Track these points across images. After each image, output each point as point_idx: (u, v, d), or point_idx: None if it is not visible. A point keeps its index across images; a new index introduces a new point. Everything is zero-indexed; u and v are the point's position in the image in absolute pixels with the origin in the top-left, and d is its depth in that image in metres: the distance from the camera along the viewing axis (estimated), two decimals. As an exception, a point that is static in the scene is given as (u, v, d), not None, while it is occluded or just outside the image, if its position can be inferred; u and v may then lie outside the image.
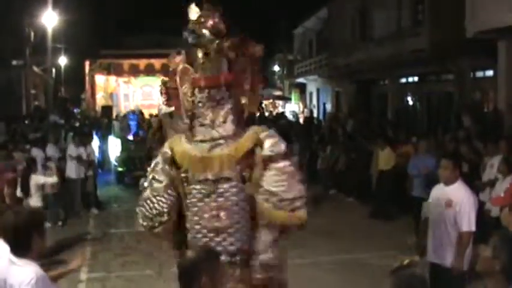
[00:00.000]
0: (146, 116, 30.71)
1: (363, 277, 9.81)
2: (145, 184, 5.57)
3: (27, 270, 4.24)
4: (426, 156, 12.36)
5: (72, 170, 15.56)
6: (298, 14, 42.82)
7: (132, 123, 26.63)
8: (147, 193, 5.49)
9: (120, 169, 20.36)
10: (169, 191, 5.38)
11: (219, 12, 5.37)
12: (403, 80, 27.19)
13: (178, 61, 5.63)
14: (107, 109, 36.35)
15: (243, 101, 5.51)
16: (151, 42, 42.53)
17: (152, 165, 5.60)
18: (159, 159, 5.51)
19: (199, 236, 5.22)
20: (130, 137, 22.99)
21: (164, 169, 5.42)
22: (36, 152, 15.09)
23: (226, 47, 5.32)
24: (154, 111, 36.08)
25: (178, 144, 5.41)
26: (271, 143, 5.24)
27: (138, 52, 41.35)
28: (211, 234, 5.17)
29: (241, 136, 5.29)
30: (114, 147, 20.84)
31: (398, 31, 25.21)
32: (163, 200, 5.38)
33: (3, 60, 34.56)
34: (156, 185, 5.43)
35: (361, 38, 30.76)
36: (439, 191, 7.22)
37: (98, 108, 38.77)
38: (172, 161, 5.38)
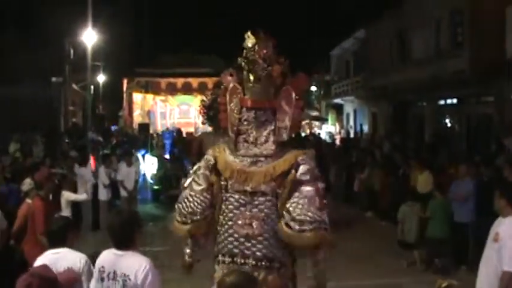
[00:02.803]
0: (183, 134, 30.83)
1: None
2: (186, 184, 6.18)
3: (139, 260, 4.97)
4: (465, 181, 12.08)
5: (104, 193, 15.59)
6: (336, 35, 42.77)
7: (167, 142, 26.69)
8: (186, 192, 6.09)
9: (156, 187, 20.41)
10: (205, 194, 5.95)
11: (272, 42, 5.91)
12: (442, 102, 26.86)
13: (230, 79, 6.14)
14: (144, 127, 36.68)
15: (285, 124, 5.91)
16: (188, 61, 42.79)
17: (194, 168, 6.23)
18: (202, 164, 6.09)
19: (231, 239, 5.81)
20: (167, 156, 23.06)
21: (205, 174, 5.99)
22: (83, 172, 15.41)
23: (275, 75, 5.84)
24: (191, 130, 36.37)
25: (221, 154, 5.98)
26: (304, 169, 5.72)
27: (175, 71, 41.73)
28: (242, 240, 5.75)
29: (281, 156, 5.80)
30: (151, 165, 20.91)
31: (438, 52, 25.01)
32: (198, 201, 5.94)
33: (43, 77, 35.09)
34: (195, 187, 6.00)
35: (399, 59, 30.60)
36: (496, 222, 6.67)
37: (135, 125, 39.11)
38: (213, 169, 5.94)
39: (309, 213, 5.60)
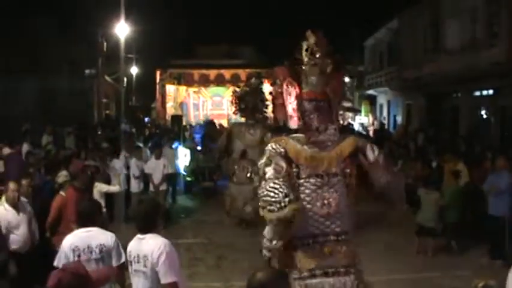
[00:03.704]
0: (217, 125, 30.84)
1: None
2: (267, 176, 6.27)
3: (155, 241, 5.46)
4: (502, 173, 11.87)
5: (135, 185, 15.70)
6: (370, 25, 42.41)
7: (197, 136, 26.69)
8: (269, 183, 6.15)
9: (188, 179, 20.46)
10: (287, 178, 6.23)
11: (327, 40, 6.64)
12: (477, 93, 26.42)
13: (285, 74, 6.73)
14: (177, 118, 36.77)
15: (336, 112, 6.73)
16: (221, 52, 42.79)
17: (264, 159, 6.53)
18: (271, 154, 6.45)
19: (310, 221, 6.37)
20: (199, 148, 23.11)
21: (280, 164, 6.34)
22: (115, 163, 15.61)
23: (331, 68, 6.55)
24: (224, 121, 36.38)
25: (290, 144, 6.48)
26: (370, 149, 6.65)
27: (208, 62, 41.70)
28: (322, 219, 6.39)
29: (343, 140, 6.60)
30: (184, 157, 20.94)
31: (473, 43, 24.62)
32: (286, 184, 6.09)
33: (77, 70, 35.42)
34: (277, 175, 6.23)
35: (433, 49, 30.18)
36: None
37: (168, 117, 39.25)
38: (285, 157, 6.41)
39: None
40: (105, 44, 39.96)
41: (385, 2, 39.68)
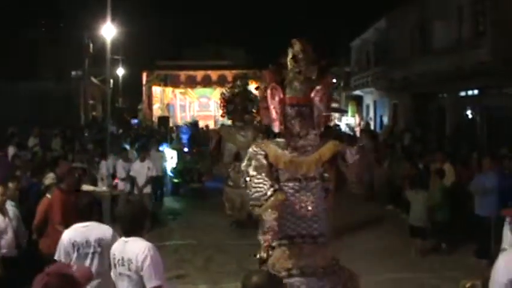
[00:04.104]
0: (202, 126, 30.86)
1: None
2: (251, 173, 6.67)
3: (139, 245, 5.43)
4: (488, 174, 11.93)
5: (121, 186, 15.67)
6: (356, 26, 42.52)
7: (184, 137, 26.65)
8: (254, 180, 6.57)
9: (175, 180, 20.39)
10: (269, 173, 6.63)
11: (311, 46, 7.00)
12: (463, 93, 26.52)
13: (270, 79, 7.07)
14: (164, 120, 36.69)
15: (320, 118, 6.98)
16: (208, 54, 42.77)
17: (245, 161, 6.96)
18: (254, 154, 6.86)
19: (288, 223, 6.67)
20: (186, 149, 23.05)
21: (262, 162, 6.73)
22: (102, 165, 15.63)
23: (315, 75, 6.92)
24: (210, 122, 36.35)
25: (270, 148, 6.86)
26: (350, 154, 6.89)
27: (194, 63, 41.70)
28: (299, 222, 6.67)
29: (323, 145, 6.87)
30: (170, 158, 20.87)
31: (459, 43, 24.70)
32: (268, 177, 6.53)
33: (63, 71, 35.28)
34: (259, 171, 6.61)
35: (420, 50, 30.26)
36: None
37: (155, 119, 39.16)
38: (266, 159, 6.76)
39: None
40: (91, 45, 39.80)
41: (372, 2, 39.86)
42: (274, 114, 6.96)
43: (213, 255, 12.47)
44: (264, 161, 6.73)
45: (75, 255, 6.28)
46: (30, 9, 31.41)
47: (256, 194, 6.45)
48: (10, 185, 9.47)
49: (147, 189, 15.43)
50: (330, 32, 48.36)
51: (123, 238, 5.64)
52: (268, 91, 6.99)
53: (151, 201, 15.82)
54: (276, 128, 6.98)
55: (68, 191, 10.00)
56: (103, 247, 6.27)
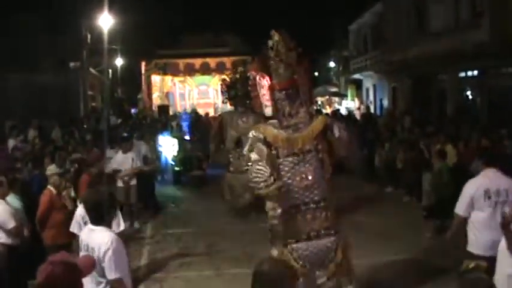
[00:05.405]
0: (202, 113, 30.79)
1: (424, 278, 9.56)
2: (252, 160, 7.39)
3: (103, 235, 5.56)
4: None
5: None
6: (354, 10, 42.33)
7: (184, 124, 26.62)
8: (254, 166, 7.27)
9: (177, 169, 20.39)
10: (269, 160, 7.30)
11: (289, 36, 7.63)
12: (463, 75, 26.44)
13: (256, 68, 7.96)
14: (164, 108, 36.61)
15: (306, 95, 7.69)
16: (206, 41, 42.61)
17: (247, 146, 7.69)
18: (252, 142, 7.58)
19: (292, 194, 7.35)
20: (187, 137, 23.03)
21: (260, 147, 7.44)
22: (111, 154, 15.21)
23: (295, 61, 7.55)
24: (210, 110, 36.29)
25: (267, 130, 7.55)
26: (337, 127, 7.66)
27: (193, 51, 41.62)
28: (302, 191, 7.37)
29: (313, 120, 7.59)
30: (171, 146, 20.86)
31: (457, 23, 24.63)
32: (268, 165, 7.20)
33: (61, 62, 35.19)
34: (259, 157, 7.33)
35: (418, 31, 30.14)
36: None
37: (155, 107, 39.13)
38: (265, 142, 7.45)
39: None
40: (89, 36, 39.65)
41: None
42: (265, 100, 7.76)
43: (216, 241, 12.50)
44: (264, 148, 7.43)
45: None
46: (26, 2, 31.32)
47: (257, 179, 7.16)
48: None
49: (133, 182, 14.37)
50: (327, 16, 48.25)
51: (89, 225, 5.86)
52: (257, 79, 7.84)
53: (136, 193, 14.50)
54: (269, 111, 7.77)
55: (96, 175, 10.47)
56: None
